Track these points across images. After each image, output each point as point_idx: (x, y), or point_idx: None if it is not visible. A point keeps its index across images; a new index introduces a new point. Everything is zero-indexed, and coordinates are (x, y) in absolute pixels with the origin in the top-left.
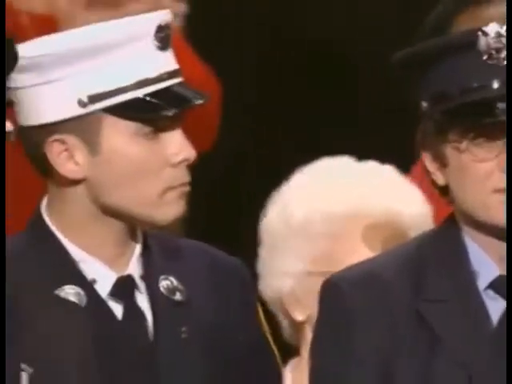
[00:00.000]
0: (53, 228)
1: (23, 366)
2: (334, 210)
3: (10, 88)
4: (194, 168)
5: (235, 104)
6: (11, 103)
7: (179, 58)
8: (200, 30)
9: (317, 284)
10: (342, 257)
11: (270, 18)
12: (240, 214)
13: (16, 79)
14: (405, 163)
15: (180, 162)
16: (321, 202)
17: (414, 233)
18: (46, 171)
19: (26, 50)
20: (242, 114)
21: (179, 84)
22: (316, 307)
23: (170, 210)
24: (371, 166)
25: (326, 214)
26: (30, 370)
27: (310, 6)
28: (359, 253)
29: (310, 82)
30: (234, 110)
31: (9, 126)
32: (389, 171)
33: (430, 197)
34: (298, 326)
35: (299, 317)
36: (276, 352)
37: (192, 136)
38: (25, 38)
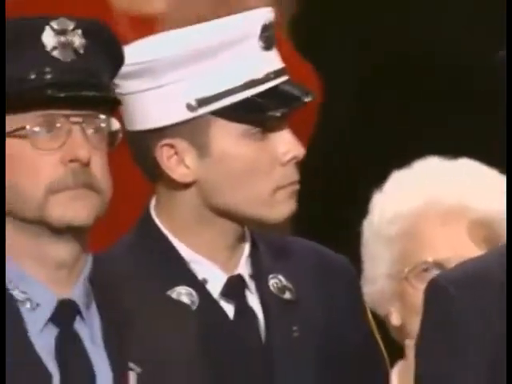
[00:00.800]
0: (163, 229)
1: (131, 365)
2: (402, 209)
3: (116, 92)
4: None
5: (334, 104)
6: (118, 102)
7: (280, 53)
8: (304, 30)
9: (400, 287)
10: (419, 256)
11: (372, 19)
12: (344, 214)
13: (122, 85)
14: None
15: (289, 161)
16: (391, 203)
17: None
18: (155, 176)
19: (135, 54)
20: (340, 114)
21: (286, 82)
22: (409, 309)
23: (282, 208)
24: (459, 163)
25: (394, 214)
26: (139, 370)
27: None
28: (436, 250)
29: (408, 82)
30: (333, 109)
31: (116, 125)
32: (476, 169)
33: None
34: (399, 330)
35: (395, 321)
36: (384, 352)
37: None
38: (125, 41)
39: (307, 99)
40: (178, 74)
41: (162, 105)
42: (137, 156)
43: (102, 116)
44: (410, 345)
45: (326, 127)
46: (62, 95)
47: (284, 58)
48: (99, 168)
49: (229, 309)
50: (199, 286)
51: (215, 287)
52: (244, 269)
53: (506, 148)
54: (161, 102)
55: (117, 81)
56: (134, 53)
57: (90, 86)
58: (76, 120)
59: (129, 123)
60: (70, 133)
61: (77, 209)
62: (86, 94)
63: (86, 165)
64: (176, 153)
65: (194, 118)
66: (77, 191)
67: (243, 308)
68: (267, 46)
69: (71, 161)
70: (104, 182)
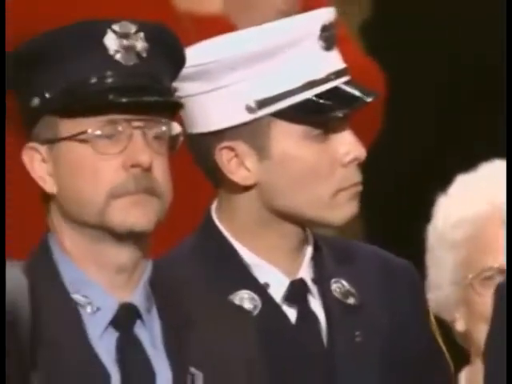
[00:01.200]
0: (224, 232)
1: (192, 369)
2: (467, 213)
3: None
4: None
5: (401, 106)
6: (180, 106)
7: (344, 51)
8: (376, 32)
9: (464, 293)
10: (484, 261)
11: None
12: (413, 219)
13: (181, 87)
14: None
15: (350, 162)
16: (456, 207)
17: None
18: (217, 179)
19: (193, 56)
20: (407, 117)
21: (347, 82)
22: (475, 316)
23: (343, 210)
24: None
25: (459, 218)
26: (200, 375)
27: None
28: (501, 256)
29: (479, 84)
30: (400, 111)
31: (177, 129)
32: None
33: None
34: (464, 336)
35: (460, 327)
36: (448, 357)
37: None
38: (188, 42)
39: (369, 99)
40: (237, 75)
41: (222, 107)
42: (198, 159)
43: (164, 120)
44: (476, 351)
45: (392, 130)
46: (124, 100)
47: (349, 58)
48: (160, 173)
49: (291, 313)
50: (261, 290)
51: (277, 292)
52: (306, 272)
53: (506, 147)
54: (220, 104)
55: (176, 83)
56: (194, 55)
57: (152, 90)
58: (137, 124)
59: (188, 126)
60: (132, 137)
61: (138, 214)
62: (148, 99)
63: (148, 170)
64: (236, 155)
65: (253, 120)
66: (138, 196)
67: (306, 313)
68: (327, 46)
69: (132, 166)
70: (165, 187)
